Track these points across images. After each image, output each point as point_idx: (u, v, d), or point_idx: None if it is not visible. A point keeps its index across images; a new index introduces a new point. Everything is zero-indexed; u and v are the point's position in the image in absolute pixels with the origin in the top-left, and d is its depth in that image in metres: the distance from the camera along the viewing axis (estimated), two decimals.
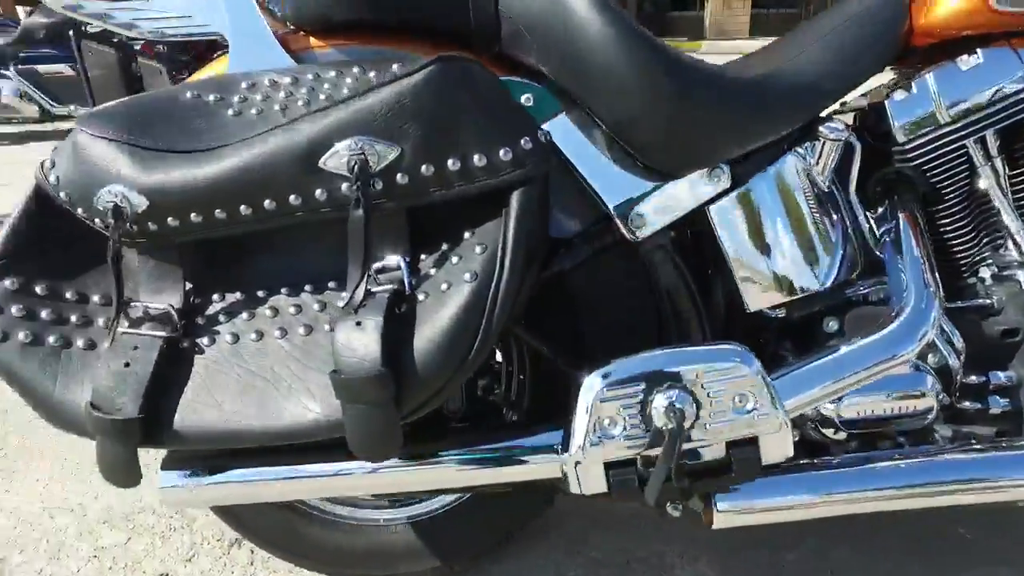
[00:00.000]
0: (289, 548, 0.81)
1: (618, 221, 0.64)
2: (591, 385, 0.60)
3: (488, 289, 0.53)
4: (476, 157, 0.53)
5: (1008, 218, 0.70)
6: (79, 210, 0.56)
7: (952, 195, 0.71)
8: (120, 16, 0.63)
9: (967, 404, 0.70)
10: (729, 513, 0.63)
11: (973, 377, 0.70)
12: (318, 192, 0.53)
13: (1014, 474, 0.65)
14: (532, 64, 0.62)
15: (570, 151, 0.64)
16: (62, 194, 0.56)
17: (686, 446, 0.59)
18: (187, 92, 0.59)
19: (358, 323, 0.50)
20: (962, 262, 0.73)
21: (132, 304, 0.56)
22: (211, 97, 0.58)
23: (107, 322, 0.57)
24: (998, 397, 0.70)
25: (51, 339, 0.56)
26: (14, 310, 0.56)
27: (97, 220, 0.55)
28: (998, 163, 0.70)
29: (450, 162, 0.53)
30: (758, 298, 0.68)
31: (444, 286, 0.53)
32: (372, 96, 0.53)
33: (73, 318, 0.57)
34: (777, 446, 0.61)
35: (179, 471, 0.64)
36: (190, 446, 0.57)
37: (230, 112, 0.57)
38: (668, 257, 0.66)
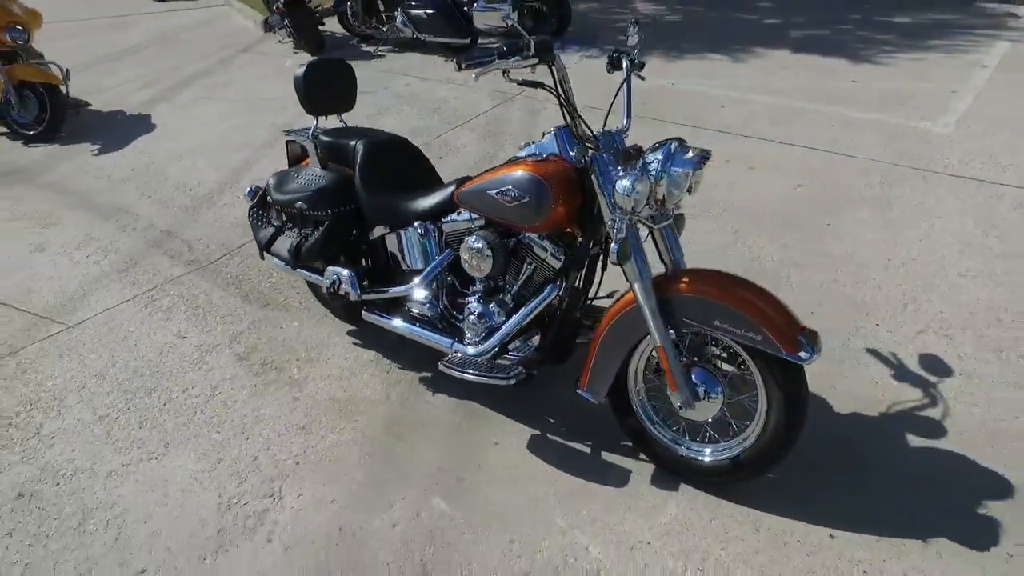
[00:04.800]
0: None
1: (370, 231, 2.36)
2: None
3: (304, 244, 2.36)
4: (317, 211, 2.32)
5: None
6: (269, 196, 2.51)
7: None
8: None
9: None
10: (371, 323, 2.36)
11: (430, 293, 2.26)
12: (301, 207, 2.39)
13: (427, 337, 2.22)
14: None
15: None
16: (265, 189, 2.54)
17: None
18: (291, 172, 2.48)
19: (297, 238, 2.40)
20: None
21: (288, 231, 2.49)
22: (293, 173, 2.48)
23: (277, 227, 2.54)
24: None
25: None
26: (257, 217, 2.57)
27: (268, 199, 2.51)
28: None
29: (315, 212, 2.34)
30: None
31: (307, 238, 2.37)
32: (306, 191, 2.35)
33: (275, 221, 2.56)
34: (351, 295, 2.35)
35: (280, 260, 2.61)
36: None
37: (298, 179, 2.43)
38: (380, 242, 2.36)
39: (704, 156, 1.71)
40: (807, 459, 1.98)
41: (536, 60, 1.68)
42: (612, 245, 1.69)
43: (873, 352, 2.42)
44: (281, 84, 5.81)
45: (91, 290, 3.06)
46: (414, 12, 6.17)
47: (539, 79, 1.69)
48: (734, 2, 7.94)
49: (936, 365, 2.35)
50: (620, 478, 1.98)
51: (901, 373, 2.33)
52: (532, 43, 1.62)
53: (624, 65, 1.97)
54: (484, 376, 2.03)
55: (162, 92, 5.83)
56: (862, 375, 2.32)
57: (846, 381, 2.29)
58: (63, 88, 4.95)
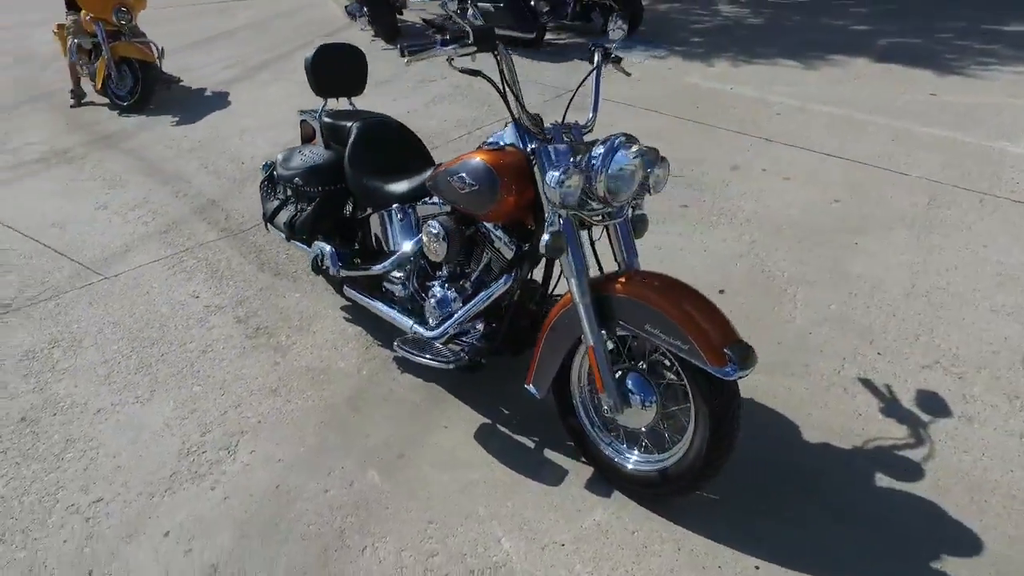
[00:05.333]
0: None
1: (361, 211, 2.43)
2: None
3: (298, 218, 2.47)
4: (309, 188, 2.44)
5: None
6: (276, 171, 2.65)
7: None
8: None
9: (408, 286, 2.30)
10: (352, 298, 2.45)
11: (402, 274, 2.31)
12: (297, 183, 2.52)
13: (393, 316, 2.28)
14: None
15: None
16: (275, 166, 2.68)
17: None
18: (297, 150, 2.60)
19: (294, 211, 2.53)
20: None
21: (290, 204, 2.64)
22: (298, 150, 2.60)
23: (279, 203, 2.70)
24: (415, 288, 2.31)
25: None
26: (266, 190, 2.72)
27: (275, 174, 2.65)
28: None
29: (308, 188, 2.45)
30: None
31: (302, 213, 2.48)
32: (303, 168, 2.47)
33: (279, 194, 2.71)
34: (331, 270, 2.42)
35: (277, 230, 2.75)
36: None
37: (300, 156, 2.56)
38: (368, 221, 2.43)
39: (643, 152, 1.65)
40: (756, 483, 1.88)
41: (475, 48, 1.68)
42: (543, 237, 1.67)
43: (866, 382, 2.24)
44: None
45: (133, 247, 3.36)
46: (483, 4, 6.25)
47: (479, 68, 1.70)
48: (826, 6, 7.47)
49: (934, 404, 2.15)
50: (555, 477, 1.96)
51: (891, 408, 2.14)
52: (471, 32, 1.63)
53: (596, 59, 1.94)
54: (429, 358, 2.07)
55: (244, 72, 6.25)
56: (847, 405, 2.16)
57: (827, 409, 2.15)
58: (157, 64, 5.45)
